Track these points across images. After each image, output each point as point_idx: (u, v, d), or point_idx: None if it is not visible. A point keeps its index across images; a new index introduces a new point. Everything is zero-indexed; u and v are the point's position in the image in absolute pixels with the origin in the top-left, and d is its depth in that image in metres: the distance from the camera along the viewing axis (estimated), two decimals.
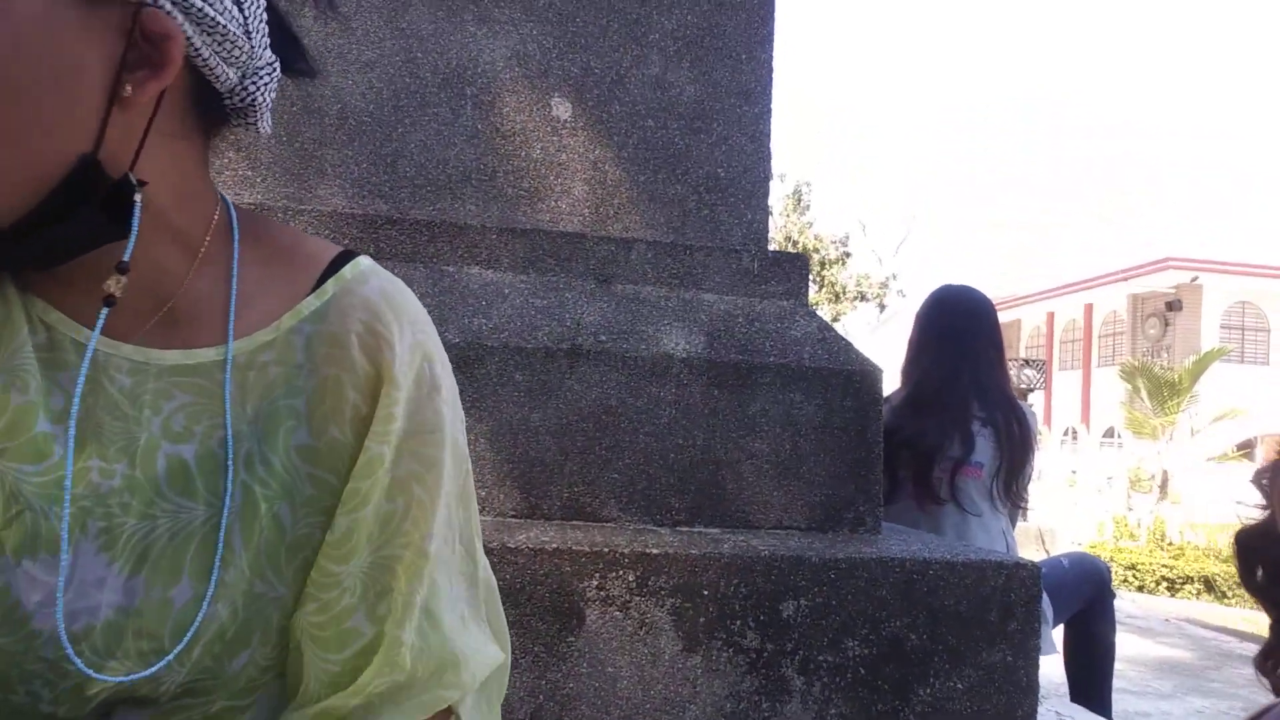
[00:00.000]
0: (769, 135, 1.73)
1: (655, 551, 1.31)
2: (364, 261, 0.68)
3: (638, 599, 1.30)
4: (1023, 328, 32.98)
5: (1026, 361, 25.94)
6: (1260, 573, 0.60)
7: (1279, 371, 24.66)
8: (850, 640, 1.35)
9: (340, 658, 0.62)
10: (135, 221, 0.55)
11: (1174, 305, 26.31)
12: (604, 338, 1.53)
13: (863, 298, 22.40)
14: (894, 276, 22.77)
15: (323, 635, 0.62)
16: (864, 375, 1.58)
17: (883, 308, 22.89)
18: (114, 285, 0.56)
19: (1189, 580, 8.96)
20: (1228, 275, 25.30)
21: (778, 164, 17.44)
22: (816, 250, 23.14)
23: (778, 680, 1.33)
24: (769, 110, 1.74)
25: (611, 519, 1.49)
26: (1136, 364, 16.72)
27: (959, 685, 1.38)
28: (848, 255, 23.33)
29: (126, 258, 0.56)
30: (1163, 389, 15.49)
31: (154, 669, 0.57)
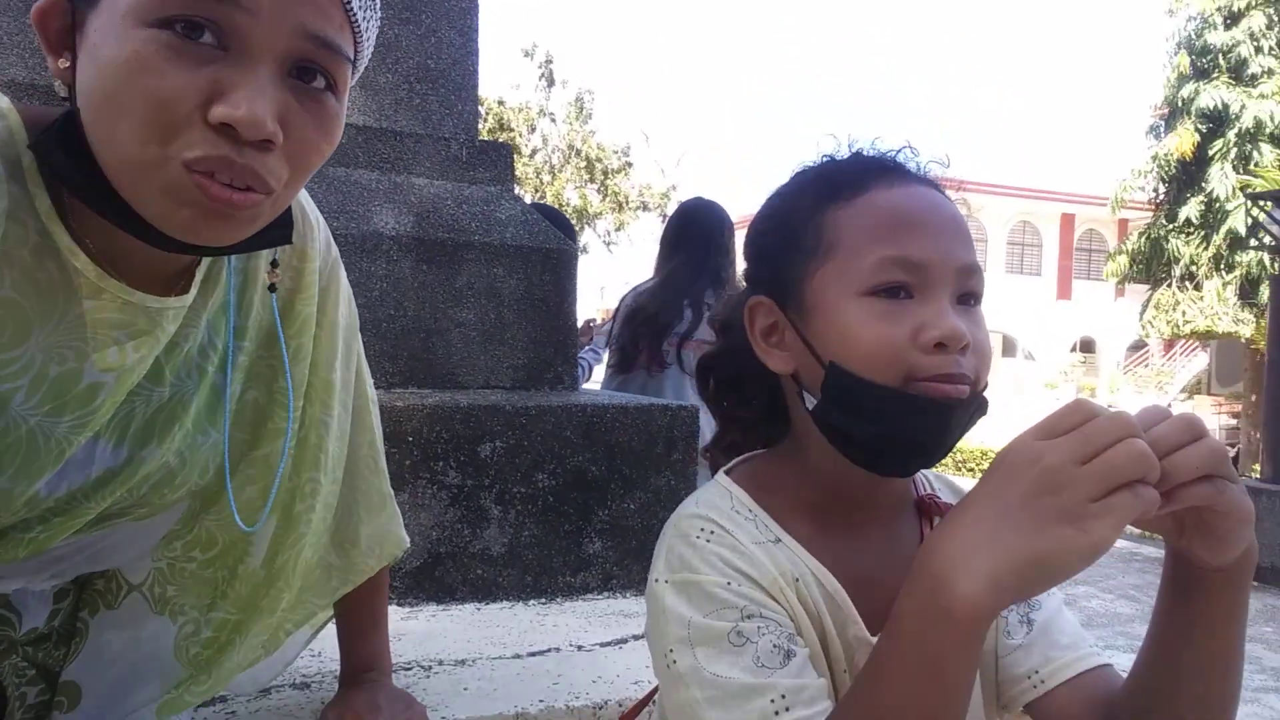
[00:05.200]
0: (477, 30, 1.86)
1: None
2: None
3: None
4: None
5: None
6: (711, 385, 0.86)
7: (992, 275, 28.43)
8: (540, 474, 1.60)
9: None
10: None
11: None
12: None
13: (645, 207, 22.99)
14: (674, 188, 23.51)
15: None
16: (561, 253, 1.80)
17: (664, 217, 23.65)
18: (272, 276, 0.82)
19: None
20: (952, 191, 28.44)
21: (558, 69, 17.15)
22: (600, 160, 23.09)
23: (477, 510, 1.55)
24: (476, 5, 1.86)
25: None
26: None
27: (631, 506, 1.67)
28: (630, 165, 23.56)
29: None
30: None
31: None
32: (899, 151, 0.77)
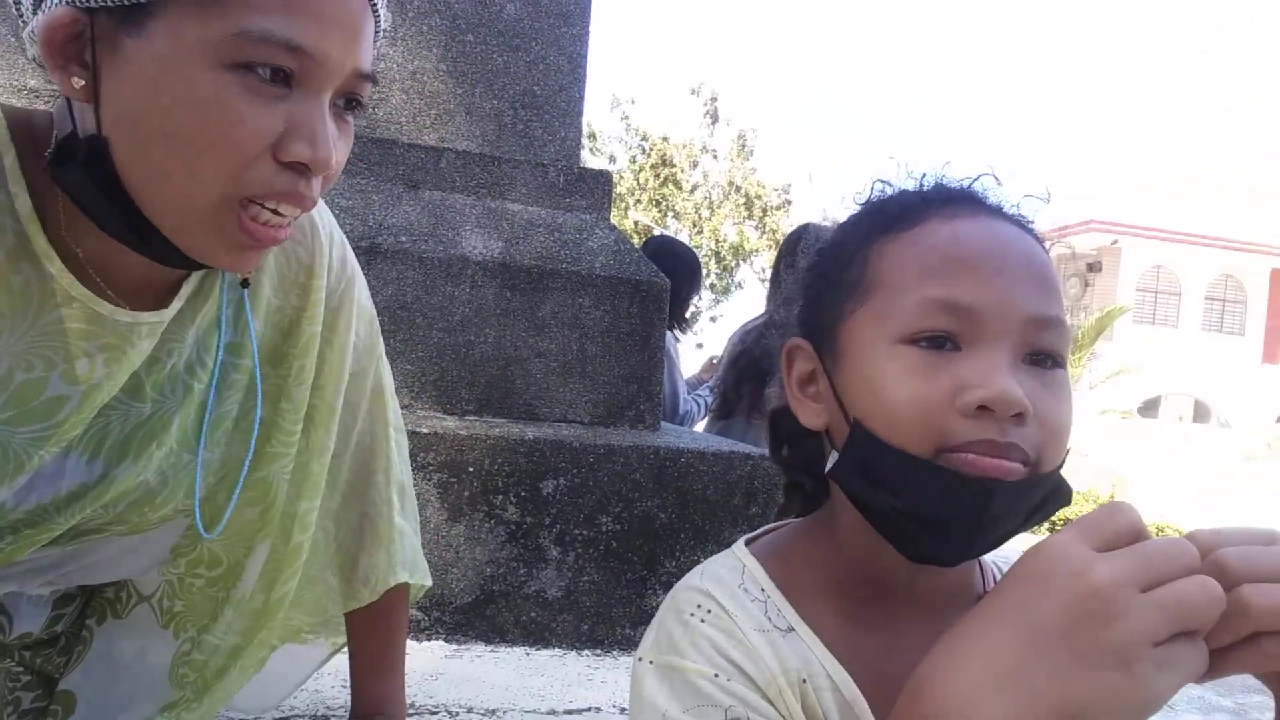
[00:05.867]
0: (586, 57, 1.83)
1: (425, 430, 1.44)
2: None
3: None
4: None
5: None
6: (785, 448, 0.74)
7: (1186, 333, 25.89)
8: (604, 517, 1.51)
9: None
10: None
11: (1095, 266, 27.12)
12: (405, 239, 1.63)
13: None
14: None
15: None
16: (651, 285, 1.72)
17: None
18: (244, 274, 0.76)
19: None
20: (1146, 239, 26.16)
21: (722, 108, 17.30)
22: (759, 197, 23.06)
23: (535, 550, 1.49)
24: (587, 32, 1.83)
25: (404, 406, 1.61)
26: None
27: (702, 559, 1.55)
28: (789, 203, 23.37)
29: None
30: None
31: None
32: (975, 179, 0.64)
